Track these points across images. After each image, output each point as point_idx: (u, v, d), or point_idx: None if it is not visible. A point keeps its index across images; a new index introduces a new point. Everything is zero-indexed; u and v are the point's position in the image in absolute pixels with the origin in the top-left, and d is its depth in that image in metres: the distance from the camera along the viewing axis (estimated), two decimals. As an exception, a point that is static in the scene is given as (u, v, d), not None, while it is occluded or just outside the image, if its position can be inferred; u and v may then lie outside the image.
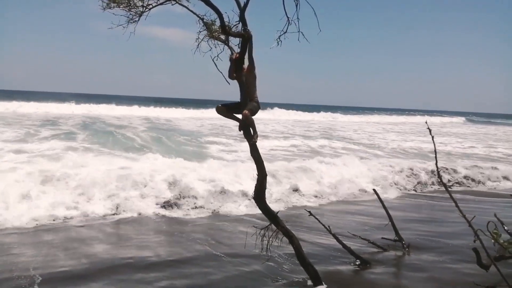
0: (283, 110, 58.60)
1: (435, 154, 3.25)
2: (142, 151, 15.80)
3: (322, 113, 62.50)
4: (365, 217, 8.74)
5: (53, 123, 25.54)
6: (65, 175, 9.04)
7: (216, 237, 7.06)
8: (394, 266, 6.06)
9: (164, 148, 16.98)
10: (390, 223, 6.93)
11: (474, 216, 3.31)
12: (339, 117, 60.25)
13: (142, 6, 4.39)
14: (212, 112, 41.42)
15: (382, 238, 6.88)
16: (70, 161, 10.38)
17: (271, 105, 60.54)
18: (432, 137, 3.32)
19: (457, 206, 3.30)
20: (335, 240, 5.91)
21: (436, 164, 3.23)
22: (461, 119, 78.66)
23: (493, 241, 3.84)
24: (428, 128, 3.39)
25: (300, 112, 60.12)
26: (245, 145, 5.01)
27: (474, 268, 5.09)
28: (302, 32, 4.67)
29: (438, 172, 3.06)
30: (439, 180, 2.83)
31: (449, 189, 3.08)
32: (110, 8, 4.33)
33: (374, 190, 7.66)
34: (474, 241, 3.21)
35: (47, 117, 30.45)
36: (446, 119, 75.91)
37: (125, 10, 4.36)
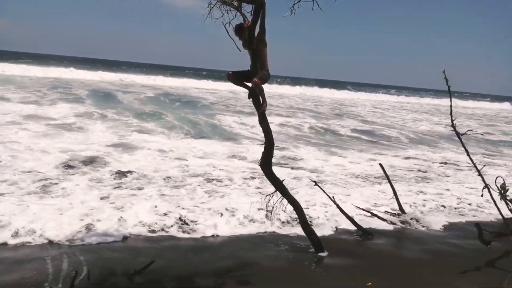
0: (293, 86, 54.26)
1: (451, 107, 3.16)
2: (159, 117, 16.13)
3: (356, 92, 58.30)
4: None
5: (64, 88, 25.67)
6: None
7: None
8: (395, 238, 6.18)
9: (176, 117, 17.14)
10: (394, 196, 7.05)
11: (484, 165, 3.32)
12: (364, 95, 55.87)
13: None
14: (217, 84, 41.25)
15: (385, 212, 7.00)
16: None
17: (275, 78, 57.88)
18: (449, 87, 3.21)
19: (468, 155, 3.27)
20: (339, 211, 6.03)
21: (451, 113, 3.14)
22: (507, 104, 63.31)
23: (499, 196, 3.85)
24: (445, 78, 3.22)
25: (320, 88, 55.09)
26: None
27: (475, 244, 5.24)
28: (316, 1, 4.59)
29: (452, 121, 2.99)
30: (453, 129, 2.82)
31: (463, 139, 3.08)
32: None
33: (380, 164, 7.70)
34: (482, 195, 3.20)
35: (57, 81, 30.49)
36: (490, 104, 64.21)
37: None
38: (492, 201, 2.97)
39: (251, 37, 4.72)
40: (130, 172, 8.43)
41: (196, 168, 9.14)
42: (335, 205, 6.02)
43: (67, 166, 8.50)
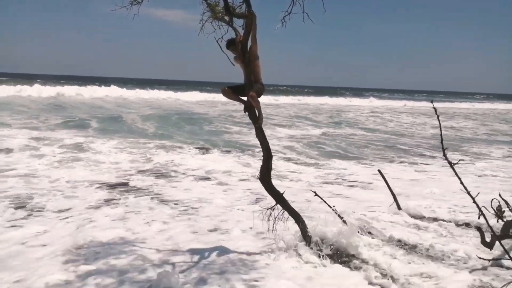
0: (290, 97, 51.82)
1: (441, 132, 3.27)
2: (169, 137, 15.90)
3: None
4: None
5: (63, 109, 25.63)
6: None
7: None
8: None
9: (187, 135, 16.93)
10: (394, 202, 7.07)
11: (478, 193, 3.31)
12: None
13: (146, -14, 4.38)
14: (212, 96, 41.18)
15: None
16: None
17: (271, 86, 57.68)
18: (438, 116, 3.32)
19: (461, 183, 3.31)
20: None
21: (442, 141, 3.25)
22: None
23: (496, 218, 3.88)
24: (434, 108, 3.39)
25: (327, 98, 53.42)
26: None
27: (477, 245, 5.24)
28: (307, 13, 4.62)
29: (444, 150, 3.07)
30: (445, 158, 2.89)
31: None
32: (114, -11, 4.32)
33: (379, 170, 7.70)
34: (478, 218, 3.23)
35: (55, 102, 30.42)
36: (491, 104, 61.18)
37: (128, -9, 4.35)
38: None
39: (244, 51, 4.73)
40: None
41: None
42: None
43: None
